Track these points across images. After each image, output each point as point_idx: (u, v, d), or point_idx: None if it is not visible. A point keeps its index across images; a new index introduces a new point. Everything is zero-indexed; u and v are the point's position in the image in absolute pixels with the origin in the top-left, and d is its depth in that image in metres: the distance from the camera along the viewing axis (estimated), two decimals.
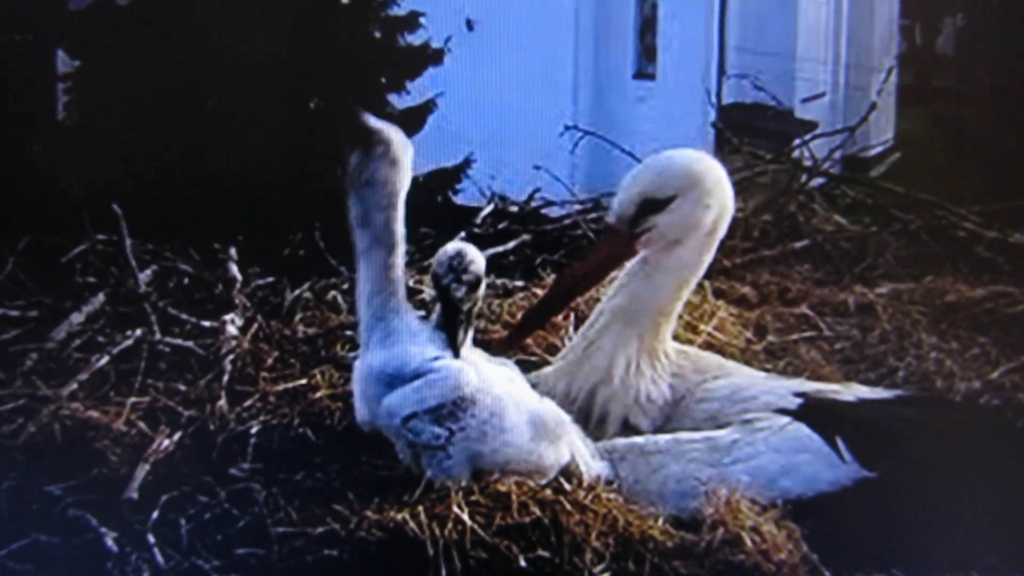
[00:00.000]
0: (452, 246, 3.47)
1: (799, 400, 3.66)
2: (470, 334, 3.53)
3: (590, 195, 6.78)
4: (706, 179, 3.72)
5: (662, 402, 3.79)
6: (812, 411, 3.60)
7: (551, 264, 5.40)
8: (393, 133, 3.53)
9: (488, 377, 3.43)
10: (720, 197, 3.75)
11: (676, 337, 4.17)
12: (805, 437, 3.50)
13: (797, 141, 7.78)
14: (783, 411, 3.60)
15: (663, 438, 3.61)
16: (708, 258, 3.82)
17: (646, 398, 3.79)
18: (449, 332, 3.46)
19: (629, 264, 3.85)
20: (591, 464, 3.45)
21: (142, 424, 3.99)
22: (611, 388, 3.78)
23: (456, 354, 3.44)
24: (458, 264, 3.42)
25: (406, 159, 3.54)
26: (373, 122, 3.54)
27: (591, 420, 3.76)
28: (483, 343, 4.37)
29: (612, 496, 3.35)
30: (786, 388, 3.75)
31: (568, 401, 3.77)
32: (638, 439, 3.63)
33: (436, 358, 3.46)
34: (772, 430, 3.53)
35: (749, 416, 3.60)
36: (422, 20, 9.79)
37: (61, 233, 5.71)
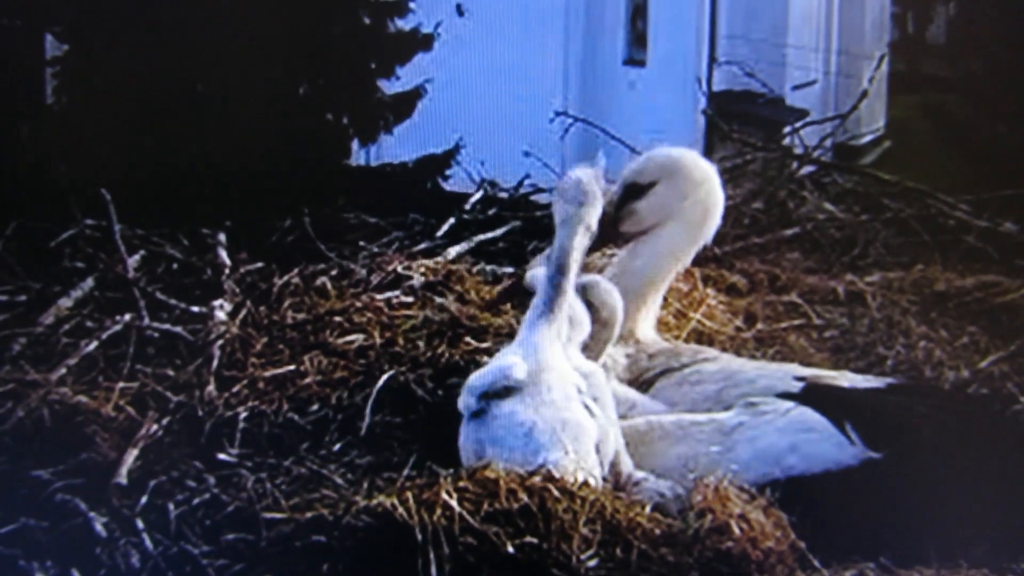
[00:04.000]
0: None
1: (800, 384, 3.70)
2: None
3: None
4: (686, 172, 3.96)
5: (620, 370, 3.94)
6: (816, 395, 3.64)
7: (541, 251, 5.38)
8: None
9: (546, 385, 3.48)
10: (700, 194, 3.96)
11: (666, 324, 4.19)
12: (812, 419, 3.54)
13: (788, 129, 7.78)
14: (785, 395, 3.63)
15: (667, 419, 3.65)
16: (683, 252, 4.01)
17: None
18: None
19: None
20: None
21: (131, 409, 3.98)
22: None
23: None
24: None
25: None
26: None
27: None
28: (475, 329, 4.40)
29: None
30: (785, 372, 3.80)
31: None
32: (638, 421, 3.66)
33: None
34: (778, 412, 3.58)
35: (754, 399, 3.63)
36: (412, 5, 9.77)
37: (49, 218, 5.70)
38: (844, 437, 3.48)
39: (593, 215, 3.59)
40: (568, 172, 3.67)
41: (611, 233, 3.96)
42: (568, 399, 3.46)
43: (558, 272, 3.53)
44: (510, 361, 3.48)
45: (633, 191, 3.94)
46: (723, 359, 3.96)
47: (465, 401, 3.49)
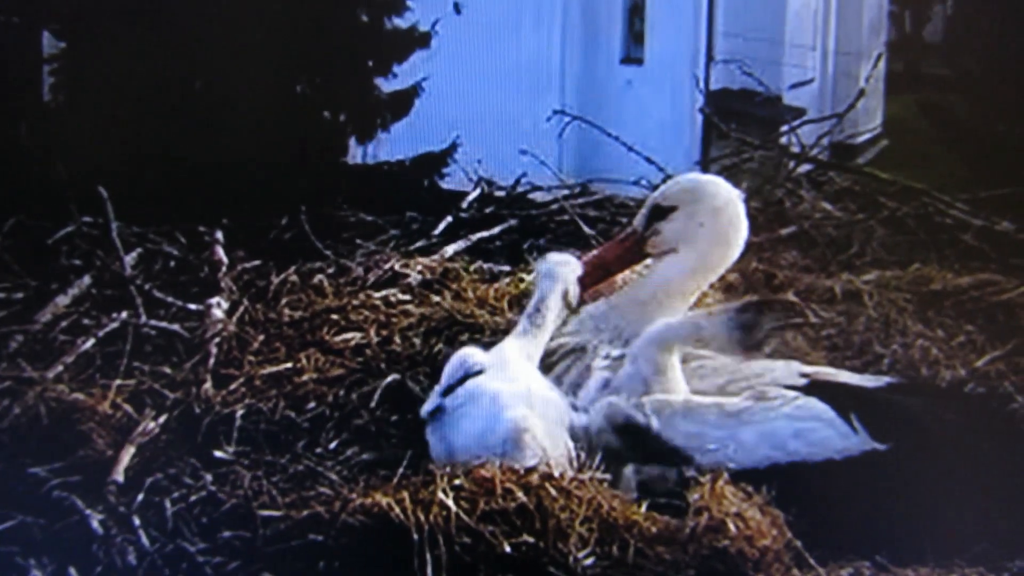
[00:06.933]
0: None
1: (805, 380, 3.72)
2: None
3: (577, 180, 6.78)
4: (705, 199, 4.01)
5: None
6: (821, 388, 3.66)
7: (537, 249, 5.39)
8: None
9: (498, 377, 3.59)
10: (719, 221, 4.00)
11: None
12: (818, 407, 3.57)
13: (785, 127, 7.78)
14: (790, 388, 3.66)
15: (676, 399, 3.68)
16: (697, 276, 4.07)
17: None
18: None
19: None
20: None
21: (127, 407, 3.99)
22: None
23: None
24: None
25: None
26: None
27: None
28: (472, 326, 4.40)
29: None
30: (790, 368, 3.82)
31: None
32: (644, 400, 3.68)
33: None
34: (785, 400, 3.60)
35: (761, 390, 3.66)
36: (409, 3, 9.77)
37: (47, 215, 5.71)
38: (849, 427, 3.51)
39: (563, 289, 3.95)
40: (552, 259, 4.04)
41: (637, 253, 4.08)
42: (533, 382, 3.63)
43: (538, 313, 3.87)
44: (466, 352, 3.69)
45: (657, 213, 4.02)
46: (721, 358, 3.96)
47: (429, 404, 3.63)
